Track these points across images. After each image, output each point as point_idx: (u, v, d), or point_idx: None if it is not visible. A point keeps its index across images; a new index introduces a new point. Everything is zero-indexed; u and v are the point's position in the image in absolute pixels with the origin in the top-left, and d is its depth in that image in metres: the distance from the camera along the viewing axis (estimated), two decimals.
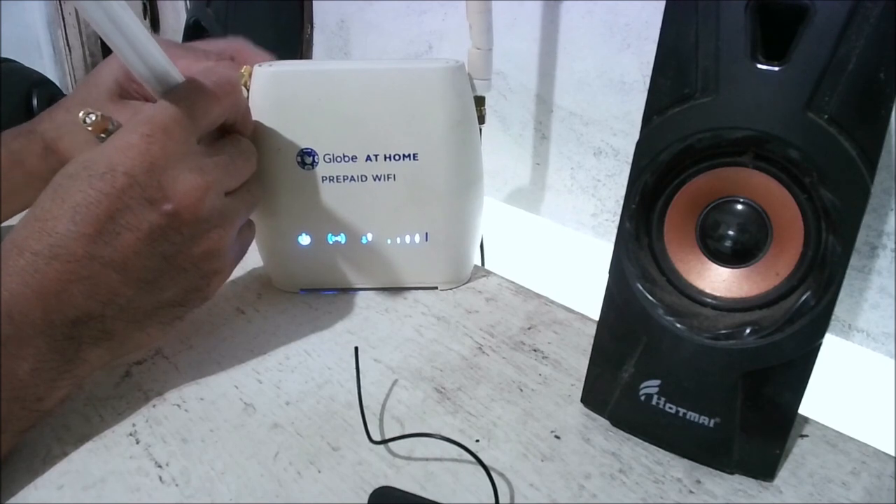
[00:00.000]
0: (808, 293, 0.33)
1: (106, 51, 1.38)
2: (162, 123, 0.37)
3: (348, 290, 0.54)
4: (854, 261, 0.50)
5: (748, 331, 0.34)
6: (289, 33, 0.91)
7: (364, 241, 0.52)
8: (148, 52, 0.37)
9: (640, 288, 0.37)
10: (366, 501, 0.34)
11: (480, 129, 0.51)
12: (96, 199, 0.35)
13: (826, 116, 0.31)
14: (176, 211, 0.37)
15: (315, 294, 0.54)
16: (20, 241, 0.34)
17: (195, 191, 0.37)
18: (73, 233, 0.34)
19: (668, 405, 0.37)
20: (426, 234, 0.52)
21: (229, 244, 0.41)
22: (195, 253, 0.39)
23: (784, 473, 0.37)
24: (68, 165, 0.37)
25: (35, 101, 0.77)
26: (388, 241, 0.52)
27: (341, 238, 0.51)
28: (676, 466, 0.37)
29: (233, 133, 0.43)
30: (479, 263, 0.60)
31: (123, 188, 0.35)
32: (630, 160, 0.36)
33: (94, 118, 0.38)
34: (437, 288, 0.55)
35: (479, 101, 0.51)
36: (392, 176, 0.49)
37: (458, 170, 0.50)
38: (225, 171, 0.40)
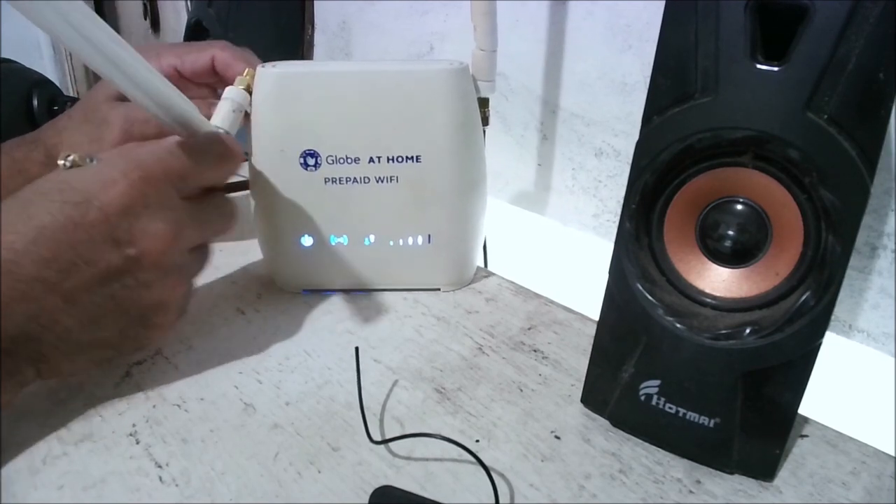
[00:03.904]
0: (808, 293, 0.33)
1: None
2: (153, 174, 0.38)
3: (351, 292, 0.54)
4: (854, 261, 0.50)
5: (748, 331, 0.34)
6: (290, 34, 0.91)
7: (367, 242, 0.51)
8: (168, 98, 0.39)
9: (640, 288, 0.37)
10: (366, 501, 0.34)
11: (484, 131, 0.51)
12: (63, 226, 0.35)
13: (826, 116, 0.31)
14: (137, 257, 0.37)
15: (315, 294, 0.54)
16: None
17: (162, 242, 0.38)
18: (31, 253, 0.34)
19: (668, 405, 0.37)
20: (429, 235, 0.51)
21: (180, 300, 0.41)
22: (144, 302, 0.39)
23: (784, 474, 0.37)
24: (42, 181, 0.37)
25: (35, 102, 0.77)
26: (391, 243, 0.52)
27: (343, 239, 0.51)
28: (676, 466, 0.37)
29: (217, 192, 0.44)
30: (483, 265, 0.60)
31: (93, 223, 0.35)
32: (631, 161, 0.36)
33: (72, 158, 0.38)
34: (439, 290, 0.55)
35: (483, 103, 0.51)
36: (395, 178, 0.49)
37: (461, 171, 0.50)
38: (199, 229, 0.41)
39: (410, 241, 0.52)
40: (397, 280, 0.54)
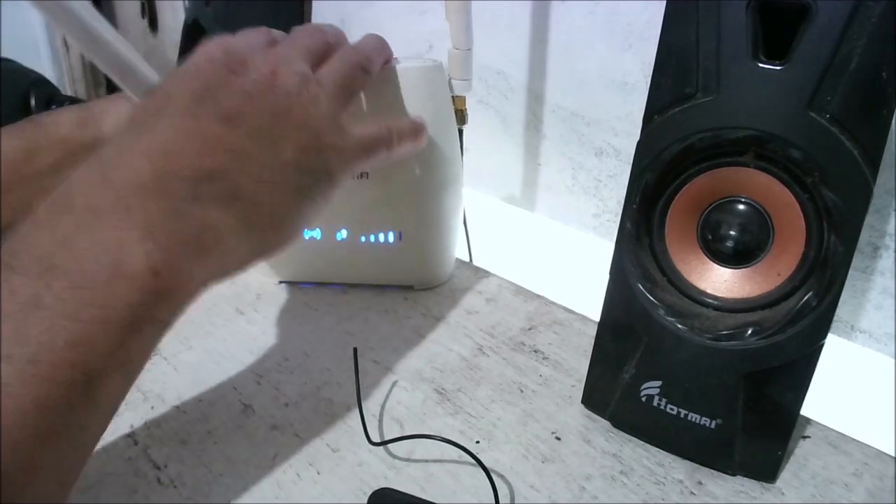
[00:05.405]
0: (810, 293, 0.33)
1: None
2: (230, 36, 0.38)
3: (327, 285, 0.55)
4: (856, 261, 0.50)
5: (750, 331, 0.34)
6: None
7: (339, 237, 0.51)
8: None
9: (641, 288, 0.37)
10: (365, 503, 0.34)
11: (461, 130, 0.51)
12: (185, 83, 0.34)
13: (828, 116, 0.30)
14: (261, 77, 0.35)
15: (315, 294, 0.54)
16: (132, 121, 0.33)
17: (268, 63, 0.36)
18: (173, 103, 0.33)
19: (669, 406, 0.37)
20: (399, 233, 0.51)
21: (332, 111, 0.37)
22: (297, 112, 0.35)
23: (786, 475, 0.37)
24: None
25: (33, 101, 0.77)
26: (363, 239, 0.51)
27: (316, 233, 0.51)
28: (678, 468, 0.37)
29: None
30: (468, 259, 0.60)
31: (209, 69, 0.34)
32: (632, 160, 0.36)
33: None
34: (412, 287, 0.54)
35: (460, 102, 0.50)
36: (365, 174, 0.49)
37: (432, 170, 0.49)
38: (290, 47, 0.39)
39: (382, 237, 0.51)
40: (370, 276, 0.54)
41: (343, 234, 0.51)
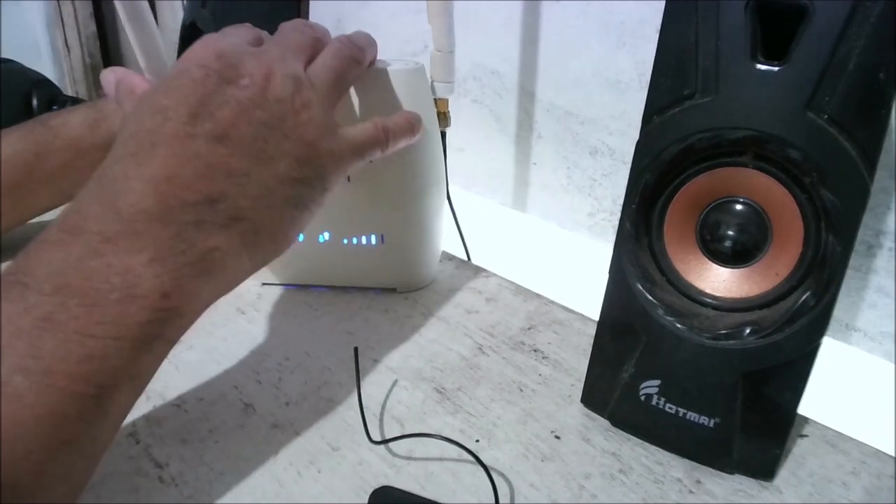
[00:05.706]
0: (808, 293, 0.33)
1: (104, 52, 1.38)
2: (219, 36, 0.38)
3: (309, 287, 0.55)
4: (851, 260, 0.50)
5: (748, 331, 0.34)
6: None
7: (321, 239, 0.52)
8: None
9: (640, 288, 0.37)
10: (366, 501, 0.34)
11: (444, 133, 0.51)
12: (180, 96, 0.34)
13: (826, 116, 0.31)
14: (254, 84, 0.35)
15: (315, 294, 0.54)
16: (118, 152, 0.33)
17: (261, 67, 0.36)
18: (170, 120, 0.33)
19: (668, 405, 0.37)
20: (382, 236, 0.51)
21: (325, 113, 0.38)
22: (290, 122, 0.36)
23: (784, 473, 0.37)
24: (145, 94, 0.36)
25: (35, 101, 0.77)
26: (345, 241, 0.51)
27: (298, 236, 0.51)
28: (676, 466, 0.37)
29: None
30: (465, 258, 0.60)
31: (202, 80, 0.34)
32: (626, 159, 0.36)
33: None
34: (395, 290, 0.54)
35: (442, 104, 0.50)
36: (346, 177, 0.48)
37: (413, 173, 0.49)
38: (281, 47, 0.39)
39: (364, 240, 0.51)
40: (352, 278, 0.54)
41: (325, 236, 0.51)
